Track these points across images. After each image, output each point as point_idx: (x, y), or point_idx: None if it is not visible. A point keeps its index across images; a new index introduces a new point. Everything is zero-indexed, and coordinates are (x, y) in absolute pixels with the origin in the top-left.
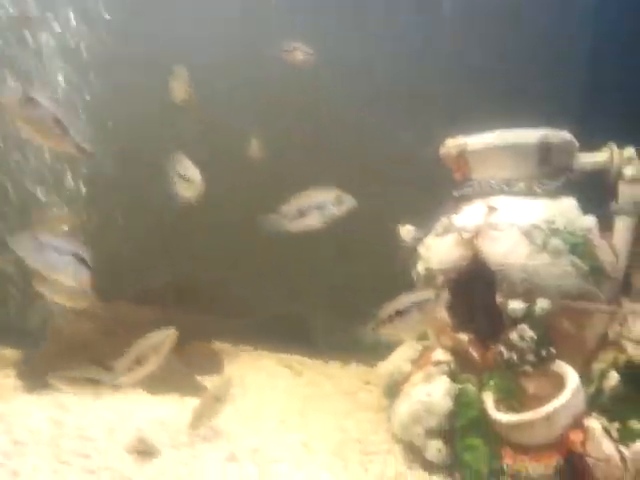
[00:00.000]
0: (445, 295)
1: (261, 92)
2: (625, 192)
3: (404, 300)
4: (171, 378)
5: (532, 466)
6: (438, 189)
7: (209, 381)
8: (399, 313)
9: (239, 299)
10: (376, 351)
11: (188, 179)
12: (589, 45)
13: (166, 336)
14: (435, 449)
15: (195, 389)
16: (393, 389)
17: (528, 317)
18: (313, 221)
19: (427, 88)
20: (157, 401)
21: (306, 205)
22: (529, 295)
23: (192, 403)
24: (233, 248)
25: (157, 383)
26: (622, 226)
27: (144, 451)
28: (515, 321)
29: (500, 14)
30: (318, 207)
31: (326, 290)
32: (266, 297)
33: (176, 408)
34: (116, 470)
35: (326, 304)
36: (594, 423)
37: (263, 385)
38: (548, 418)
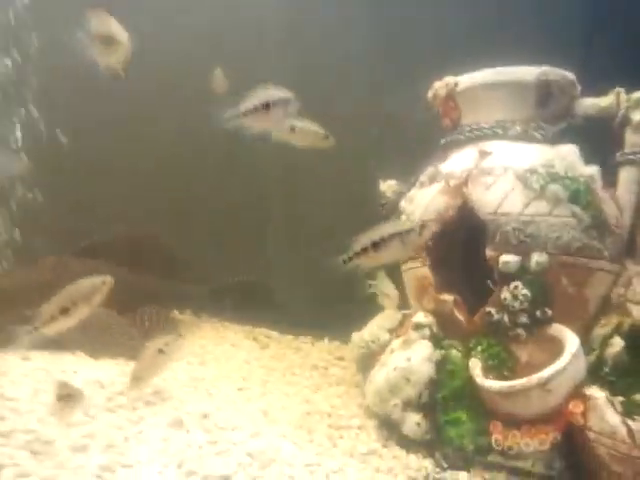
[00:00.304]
0: (431, 229)
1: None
2: (632, 140)
3: (382, 231)
4: (117, 341)
5: (525, 442)
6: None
7: None
8: (375, 245)
9: (201, 265)
10: (351, 327)
11: (110, 39)
12: None
13: (101, 283)
14: (413, 423)
15: None
16: (368, 361)
17: (522, 273)
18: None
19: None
20: (98, 364)
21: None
22: (524, 248)
23: None
24: (198, 210)
25: (100, 346)
26: (628, 178)
27: (67, 397)
28: (507, 278)
29: None
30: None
31: (299, 261)
32: (230, 265)
33: (118, 371)
34: (34, 433)
35: (296, 275)
36: (597, 392)
37: (224, 355)
38: (544, 385)
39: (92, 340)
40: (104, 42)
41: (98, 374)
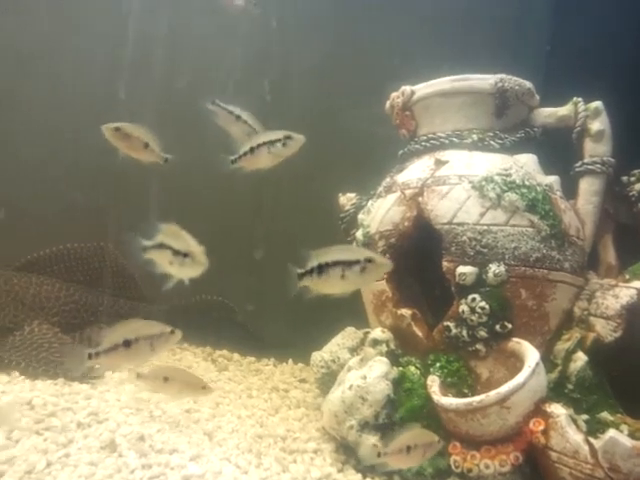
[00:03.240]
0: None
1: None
2: (591, 149)
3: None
4: (58, 361)
5: (485, 463)
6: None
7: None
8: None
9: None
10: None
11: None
12: None
13: (169, 332)
14: (370, 445)
15: (87, 374)
16: (330, 382)
17: (479, 285)
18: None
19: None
20: (33, 385)
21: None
22: (481, 259)
23: (79, 388)
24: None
25: (39, 366)
26: (588, 188)
27: None
28: (464, 290)
29: None
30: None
31: (264, 281)
32: (191, 284)
33: (54, 392)
34: None
35: (261, 296)
36: (558, 409)
37: None
38: (503, 402)
39: (30, 359)
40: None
41: (29, 395)
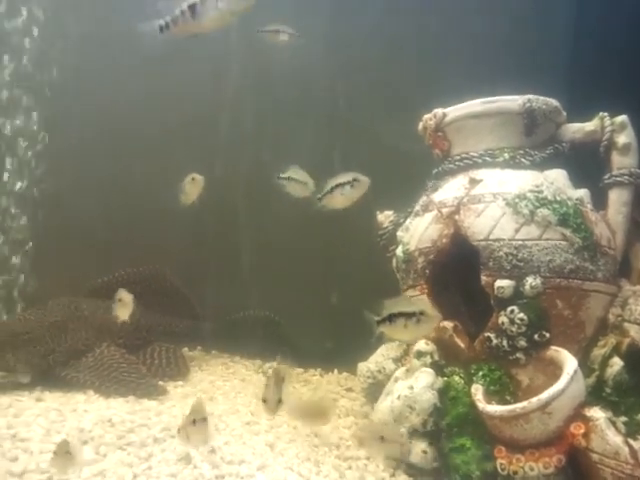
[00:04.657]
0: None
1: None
2: (619, 162)
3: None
4: (127, 379)
5: (529, 465)
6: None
7: (172, 385)
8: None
9: (207, 301)
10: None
11: None
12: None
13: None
14: (420, 451)
15: (153, 391)
16: (376, 391)
17: (517, 297)
18: None
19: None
20: (108, 403)
21: None
22: (517, 273)
23: (149, 405)
24: (204, 250)
25: (110, 385)
26: (618, 199)
27: (65, 453)
28: (503, 303)
29: None
30: None
31: (305, 294)
32: (236, 300)
33: (128, 409)
34: (47, 473)
35: (304, 309)
36: (597, 413)
37: (233, 390)
38: (544, 408)
39: (102, 379)
40: None
41: (108, 413)
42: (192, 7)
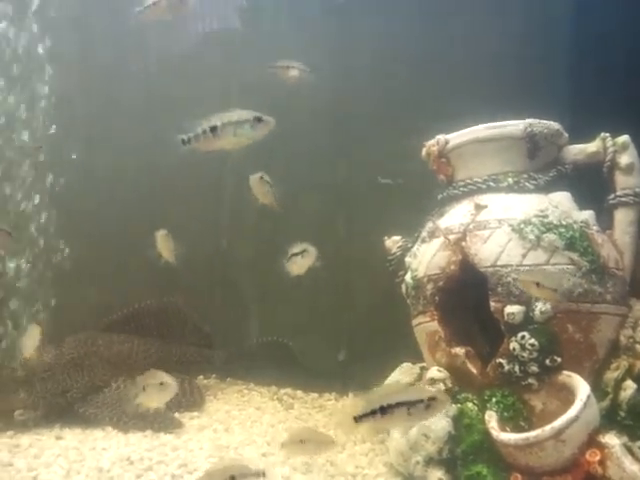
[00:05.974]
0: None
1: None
2: (623, 182)
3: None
4: (145, 413)
5: None
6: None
7: (188, 416)
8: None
9: (220, 328)
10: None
11: None
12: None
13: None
14: (437, 479)
15: (170, 425)
16: None
17: (528, 323)
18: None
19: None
20: (127, 439)
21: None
22: (526, 298)
23: (166, 439)
24: (213, 274)
25: (128, 419)
26: (624, 219)
27: None
28: (514, 328)
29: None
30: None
31: (318, 318)
32: (250, 326)
33: (147, 445)
34: None
35: (318, 333)
36: (612, 439)
37: (249, 419)
38: (558, 436)
39: (120, 415)
40: None
41: (127, 450)
42: (213, 128)
